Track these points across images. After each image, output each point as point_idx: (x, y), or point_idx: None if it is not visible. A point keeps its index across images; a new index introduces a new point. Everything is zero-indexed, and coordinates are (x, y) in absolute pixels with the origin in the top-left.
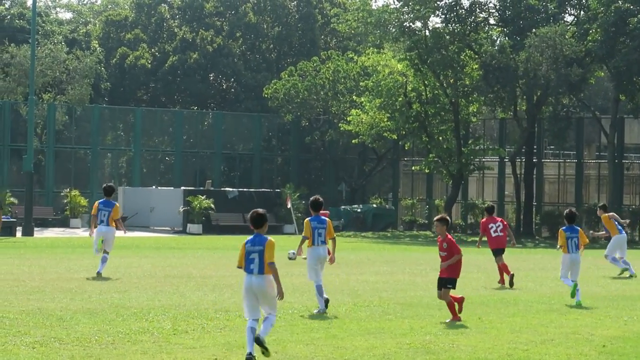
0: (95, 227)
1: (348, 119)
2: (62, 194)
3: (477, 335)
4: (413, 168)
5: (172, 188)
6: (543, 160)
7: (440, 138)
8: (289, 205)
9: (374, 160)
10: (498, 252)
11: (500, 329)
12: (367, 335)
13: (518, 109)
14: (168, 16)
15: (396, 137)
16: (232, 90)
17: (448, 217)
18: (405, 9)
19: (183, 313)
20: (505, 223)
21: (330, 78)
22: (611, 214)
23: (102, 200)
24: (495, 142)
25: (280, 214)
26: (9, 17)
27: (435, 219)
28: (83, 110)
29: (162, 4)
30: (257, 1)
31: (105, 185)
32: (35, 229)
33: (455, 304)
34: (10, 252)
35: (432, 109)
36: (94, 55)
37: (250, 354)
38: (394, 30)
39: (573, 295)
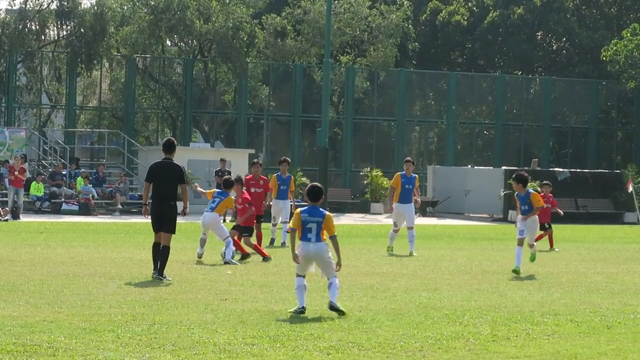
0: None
1: None
2: (361, 173)
3: None
4: None
5: (491, 168)
6: None
7: None
8: (630, 189)
9: None
10: None
11: None
12: None
13: None
14: None
15: None
16: (564, 51)
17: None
18: None
19: (504, 316)
20: None
21: None
22: None
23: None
24: None
25: (620, 199)
26: None
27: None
28: (387, 75)
29: None
30: None
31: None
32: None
33: None
34: None
35: None
36: (400, 10)
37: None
38: None
39: None
